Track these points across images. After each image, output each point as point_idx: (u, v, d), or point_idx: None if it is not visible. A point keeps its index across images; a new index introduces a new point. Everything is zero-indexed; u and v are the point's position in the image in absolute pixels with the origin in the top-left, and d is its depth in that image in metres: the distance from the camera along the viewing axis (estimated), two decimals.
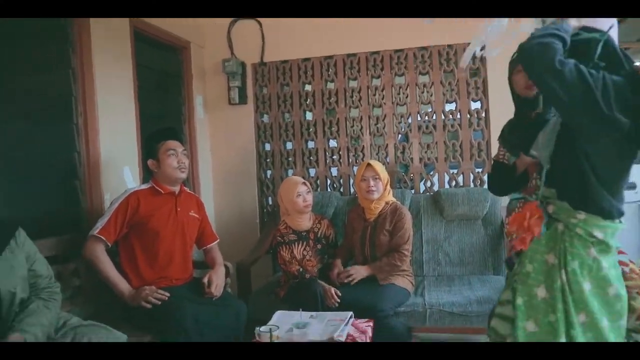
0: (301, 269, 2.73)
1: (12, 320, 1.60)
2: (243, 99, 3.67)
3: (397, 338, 2.57)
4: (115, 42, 2.82)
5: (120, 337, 1.81)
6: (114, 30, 2.78)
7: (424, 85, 3.45)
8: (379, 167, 2.79)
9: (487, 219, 3.14)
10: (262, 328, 1.98)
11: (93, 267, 2.21)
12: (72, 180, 2.54)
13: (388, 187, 2.84)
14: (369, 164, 2.78)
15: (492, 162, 2.09)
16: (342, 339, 1.99)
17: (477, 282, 2.88)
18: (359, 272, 2.68)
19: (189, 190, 2.66)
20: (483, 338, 2.98)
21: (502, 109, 3.25)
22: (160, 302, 2.12)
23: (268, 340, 1.90)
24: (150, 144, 2.45)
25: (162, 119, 3.37)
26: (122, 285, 2.20)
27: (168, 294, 2.16)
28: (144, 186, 2.43)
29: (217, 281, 2.37)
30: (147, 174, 2.56)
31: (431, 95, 3.44)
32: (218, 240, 2.69)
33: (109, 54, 2.74)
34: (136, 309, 2.13)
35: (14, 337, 1.53)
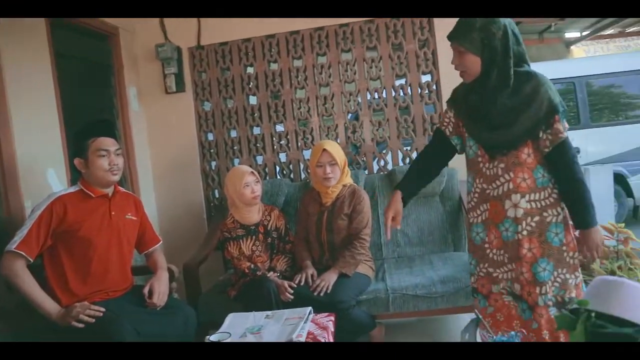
0: (252, 266, 2.55)
1: None
2: (181, 87, 3.41)
3: (362, 329, 2.45)
4: (27, 30, 2.50)
5: None
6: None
7: (372, 61, 3.29)
8: (335, 151, 2.61)
9: (445, 195, 3.04)
10: (213, 337, 1.81)
11: (13, 287, 1.95)
12: None
13: (346, 168, 2.68)
14: (324, 149, 2.59)
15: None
16: (302, 338, 1.83)
17: (438, 260, 2.79)
18: (329, 278, 2.44)
19: (124, 190, 2.41)
20: (449, 319, 2.94)
21: (453, 80, 3.15)
22: (94, 320, 1.89)
23: None
24: (79, 141, 2.15)
25: (92, 114, 3.07)
26: (48, 304, 1.93)
27: (103, 309, 1.93)
28: (71, 189, 2.15)
29: (160, 289, 2.15)
30: (75, 175, 2.29)
31: (380, 71, 3.30)
32: (160, 242, 2.46)
33: (19, 43, 2.43)
34: (67, 329, 1.89)
35: None
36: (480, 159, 1.85)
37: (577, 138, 4.50)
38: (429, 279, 2.52)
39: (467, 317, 2.85)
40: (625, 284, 1.06)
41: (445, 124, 1.99)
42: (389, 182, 3.11)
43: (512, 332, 1.37)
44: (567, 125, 1.73)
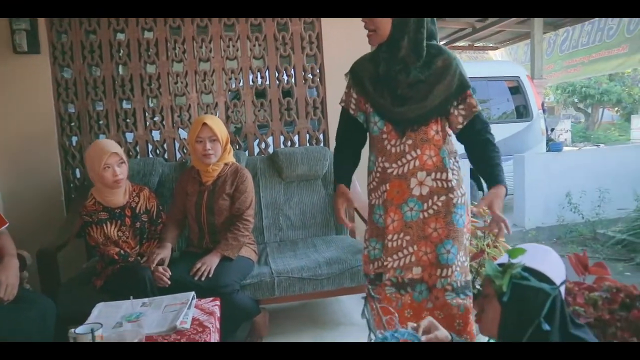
0: (122, 252, 2.28)
1: None
2: (34, 47, 2.92)
3: (246, 314, 2.34)
4: None
5: None
6: None
7: (256, 39, 3.16)
8: (216, 125, 2.43)
9: (327, 178, 3.04)
10: (79, 329, 1.55)
11: None
12: None
13: (228, 146, 2.52)
14: (204, 123, 2.40)
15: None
16: (187, 325, 1.66)
17: (321, 243, 2.78)
18: (210, 261, 2.27)
19: None
20: (332, 302, 2.96)
21: (337, 65, 3.17)
22: None
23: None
24: None
25: None
26: None
27: None
28: None
29: (8, 280, 1.79)
30: None
31: (264, 50, 3.18)
32: (7, 224, 2.07)
33: None
34: None
35: None
36: (385, 136, 1.78)
37: None
38: (314, 261, 2.49)
39: (350, 299, 2.92)
40: (554, 252, 1.19)
41: (347, 101, 1.89)
42: (271, 164, 3.03)
43: (388, 333, 1.25)
44: (478, 104, 1.71)
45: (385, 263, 1.79)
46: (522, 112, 6.26)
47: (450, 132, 1.79)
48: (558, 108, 19.08)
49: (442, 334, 1.20)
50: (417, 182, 1.74)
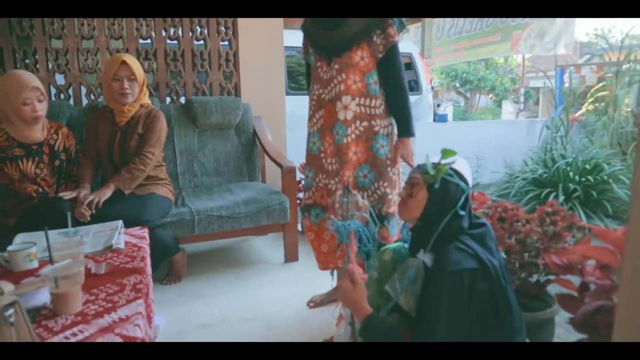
0: (40, 189, 2.21)
1: None
2: None
3: (167, 251, 2.40)
4: None
5: None
6: None
7: None
8: (135, 65, 2.41)
9: (240, 128, 3.14)
10: (10, 247, 1.55)
11: None
12: None
13: (145, 88, 2.51)
14: (123, 61, 2.37)
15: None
16: (122, 246, 1.71)
17: (236, 188, 2.89)
18: (101, 193, 2.23)
19: None
20: (247, 244, 3.08)
21: (251, 19, 3.25)
22: None
23: (21, 262, 1.51)
24: None
25: None
26: None
27: None
28: None
29: None
30: None
31: None
32: None
33: None
34: None
35: None
36: (319, 64, 1.92)
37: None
38: (231, 201, 2.61)
39: (262, 241, 3.07)
40: (467, 163, 1.43)
41: (303, 45, 2.05)
42: (186, 112, 3.06)
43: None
44: (399, 36, 1.83)
45: (329, 187, 1.92)
46: (413, 87, 6.75)
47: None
48: (442, 92, 20.55)
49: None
50: (342, 105, 1.85)
